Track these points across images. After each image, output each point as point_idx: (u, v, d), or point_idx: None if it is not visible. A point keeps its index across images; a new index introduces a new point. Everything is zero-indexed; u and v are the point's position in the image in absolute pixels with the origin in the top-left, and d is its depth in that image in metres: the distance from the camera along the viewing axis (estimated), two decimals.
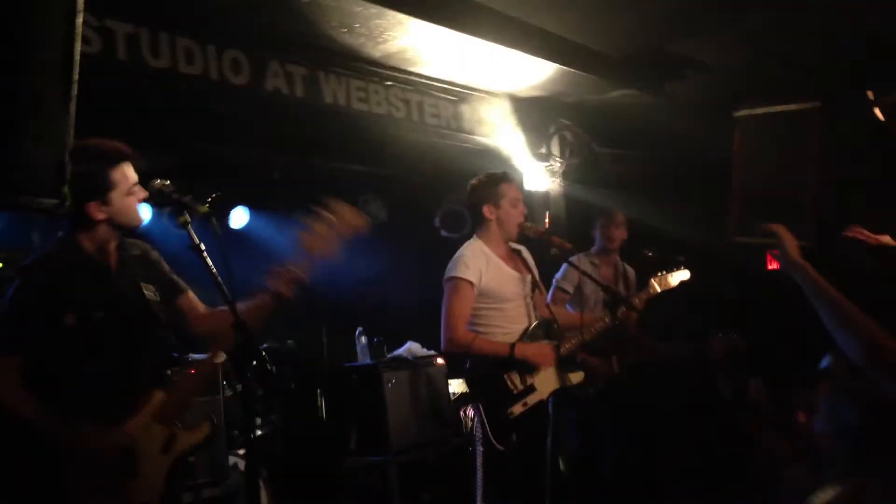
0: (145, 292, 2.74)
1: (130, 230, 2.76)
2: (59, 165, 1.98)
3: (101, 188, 2.60)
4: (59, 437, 2.44)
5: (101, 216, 2.62)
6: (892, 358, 1.90)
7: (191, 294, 2.91)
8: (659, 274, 4.58)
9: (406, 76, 5.27)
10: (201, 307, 2.91)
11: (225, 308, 2.51)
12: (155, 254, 2.90)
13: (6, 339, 2.53)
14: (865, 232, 2.63)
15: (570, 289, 4.75)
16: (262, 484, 4.35)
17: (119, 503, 2.47)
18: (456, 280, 3.84)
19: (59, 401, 2.50)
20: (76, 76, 1.99)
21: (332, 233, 2.70)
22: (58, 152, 1.98)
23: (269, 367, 2.39)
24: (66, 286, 2.56)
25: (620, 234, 5.05)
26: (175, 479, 2.64)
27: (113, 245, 2.72)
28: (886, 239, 2.36)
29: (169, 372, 3.08)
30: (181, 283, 2.91)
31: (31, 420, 2.45)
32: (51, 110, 1.95)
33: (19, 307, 2.54)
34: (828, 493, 1.80)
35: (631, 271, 5.17)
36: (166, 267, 2.91)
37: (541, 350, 3.85)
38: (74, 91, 1.99)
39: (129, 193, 2.65)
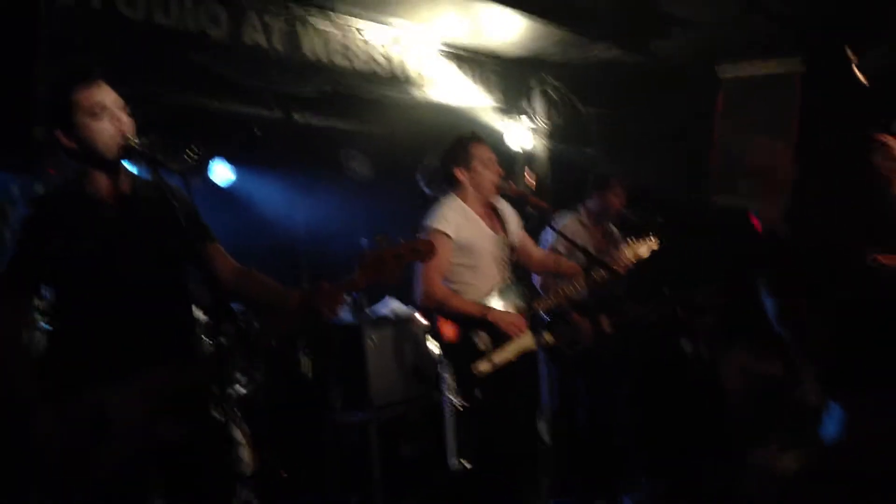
0: (157, 242, 2.53)
1: (108, 163, 2.48)
2: (24, 123, 1.92)
3: (63, 112, 2.39)
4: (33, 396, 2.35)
5: (70, 144, 2.42)
6: None
7: (217, 245, 2.71)
8: (628, 241, 4.55)
9: (386, 30, 5.21)
10: (229, 262, 2.71)
11: (254, 272, 2.45)
12: (174, 192, 2.53)
13: (17, 274, 2.43)
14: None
15: (563, 250, 4.76)
16: (243, 441, 4.38)
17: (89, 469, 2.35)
18: (434, 232, 3.82)
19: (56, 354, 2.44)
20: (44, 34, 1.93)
21: (401, 261, 2.54)
22: (22, 110, 1.92)
23: (240, 325, 2.36)
24: (59, 221, 2.43)
25: (619, 201, 5.05)
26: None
27: (109, 184, 2.50)
28: None
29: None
30: (210, 231, 2.70)
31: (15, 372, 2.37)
32: (15, 67, 1.90)
33: (25, 243, 2.43)
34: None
35: (616, 232, 5.19)
36: (193, 209, 2.63)
37: (513, 319, 3.83)
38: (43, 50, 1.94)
39: (97, 117, 2.40)
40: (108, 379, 2.37)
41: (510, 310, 3.91)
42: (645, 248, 4.49)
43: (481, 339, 3.80)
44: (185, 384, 2.44)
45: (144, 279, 2.50)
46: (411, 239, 2.60)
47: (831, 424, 2.20)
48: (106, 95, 2.44)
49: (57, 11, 3.65)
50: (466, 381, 3.73)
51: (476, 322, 3.80)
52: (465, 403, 3.69)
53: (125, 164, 2.55)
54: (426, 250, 2.58)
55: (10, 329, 2.45)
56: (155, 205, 2.52)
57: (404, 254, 2.52)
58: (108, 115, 2.42)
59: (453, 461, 3.78)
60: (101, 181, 2.50)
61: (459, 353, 3.77)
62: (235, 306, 2.85)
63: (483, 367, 3.76)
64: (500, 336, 3.82)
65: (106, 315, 2.44)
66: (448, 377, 3.75)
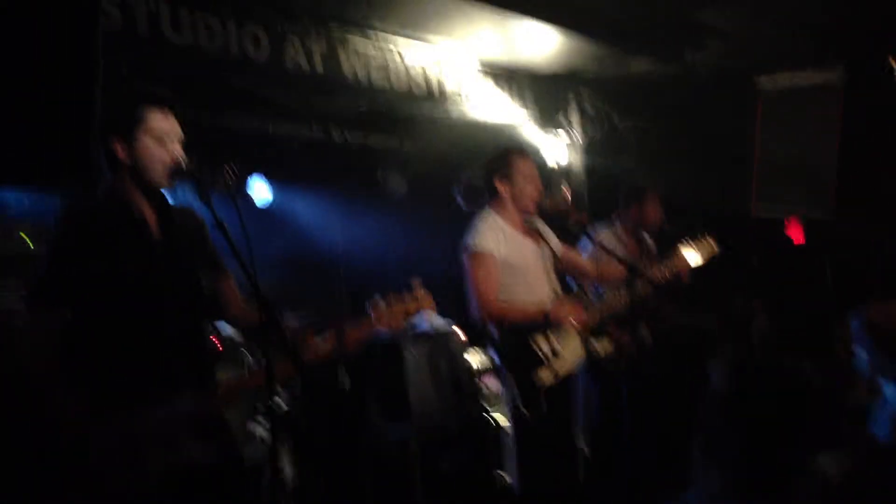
0: (192, 269, 2.59)
1: (154, 190, 2.53)
2: (84, 149, 1.96)
3: (129, 126, 2.43)
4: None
5: (125, 159, 2.45)
6: None
7: (231, 281, 2.75)
8: (685, 242, 4.47)
9: (424, 47, 5.26)
10: (239, 298, 2.78)
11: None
12: (203, 225, 2.64)
13: (47, 288, 2.39)
14: None
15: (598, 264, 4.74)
16: (285, 455, 4.42)
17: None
18: (476, 254, 3.82)
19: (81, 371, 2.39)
20: (100, 60, 1.99)
21: (404, 311, 2.73)
22: (83, 136, 1.96)
23: (286, 339, 2.40)
24: (109, 242, 2.42)
25: (656, 214, 5.03)
26: None
27: (149, 205, 2.53)
28: None
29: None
30: (224, 265, 2.74)
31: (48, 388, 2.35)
32: (76, 94, 1.95)
33: (63, 255, 2.40)
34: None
35: (651, 243, 5.16)
36: (214, 245, 2.69)
37: (574, 308, 3.84)
38: (100, 75, 1.99)
39: (159, 142, 2.46)
40: (129, 403, 2.37)
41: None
42: (704, 250, 4.42)
43: (539, 346, 3.78)
44: (208, 410, 2.50)
45: (174, 305, 2.53)
46: (409, 293, 2.76)
47: (883, 420, 2.18)
48: (172, 125, 2.52)
49: (104, 36, 3.76)
50: (531, 395, 3.70)
51: (537, 326, 3.78)
52: (529, 414, 3.65)
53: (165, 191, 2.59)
54: (426, 300, 2.78)
55: (44, 342, 2.39)
56: (189, 233, 2.60)
57: (410, 309, 2.73)
58: (169, 145, 2.49)
59: (498, 474, 3.77)
60: (143, 203, 2.54)
61: (521, 364, 3.75)
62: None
63: (546, 378, 3.74)
64: (556, 334, 3.80)
65: (131, 335, 2.45)
66: (509, 389, 3.73)
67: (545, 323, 3.76)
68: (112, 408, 2.35)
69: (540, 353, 3.77)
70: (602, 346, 4.00)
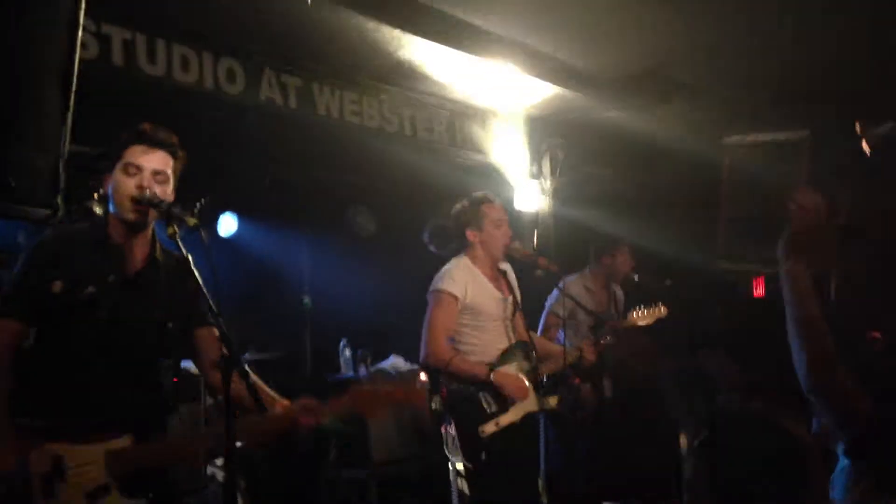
0: (160, 309, 2.57)
1: (132, 224, 2.52)
2: (54, 175, 1.95)
3: (111, 158, 2.49)
4: None
5: (105, 190, 2.52)
6: (829, 395, 1.79)
7: (210, 332, 2.63)
8: (638, 308, 4.64)
9: (399, 91, 5.29)
10: (217, 348, 2.62)
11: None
12: (192, 274, 2.47)
13: (16, 299, 2.45)
14: None
15: (563, 313, 4.75)
16: (240, 495, 4.33)
17: None
18: (441, 293, 3.85)
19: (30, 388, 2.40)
20: (74, 86, 1.98)
21: (390, 401, 2.58)
22: (53, 162, 1.95)
23: (250, 380, 2.36)
24: (69, 256, 2.46)
25: (627, 265, 5.08)
26: None
27: (140, 242, 2.55)
28: None
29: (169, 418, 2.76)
30: (205, 316, 2.62)
31: None
32: (48, 120, 1.93)
33: (21, 270, 2.47)
34: None
35: (620, 294, 5.20)
36: (200, 292, 2.54)
37: (517, 384, 3.85)
38: (72, 101, 1.98)
39: (126, 172, 2.47)
40: (71, 434, 2.36)
41: (515, 371, 3.90)
42: (652, 316, 4.54)
43: (487, 400, 3.79)
44: (142, 460, 2.45)
45: (131, 338, 2.52)
46: (406, 383, 2.70)
47: (839, 484, 2.06)
48: (148, 160, 2.49)
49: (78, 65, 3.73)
50: (472, 443, 3.70)
51: (481, 384, 3.78)
52: (470, 465, 3.66)
53: (154, 228, 2.59)
54: (417, 398, 2.63)
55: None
56: (171, 276, 2.59)
57: (396, 398, 2.55)
58: (138, 178, 2.47)
59: None
60: (126, 237, 2.54)
61: (465, 414, 3.75)
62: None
63: (489, 428, 3.74)
64: (504, 397, 3.81)
65: (84, 361, 2.45)
66: (452, 438, 3.72)
67: (487, 382, 3.78)
68: (48, 438, 2.34)
69: (485, 406, 3.79)
70: (553, 399, 4.00)
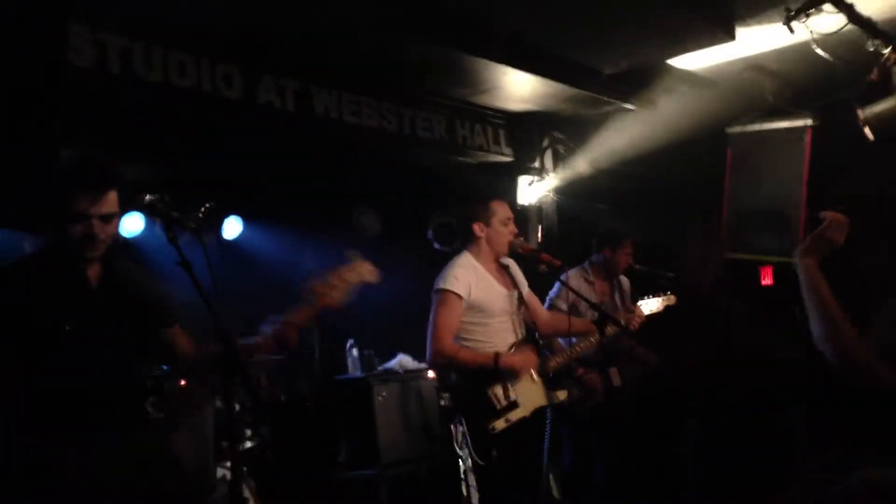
0: (127, 313, 2.65)
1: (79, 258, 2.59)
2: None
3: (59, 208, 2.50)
4: None
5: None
6: (859, 373, 2.12)
7: (178, 328, 2.81)
8: (646, 297, 4.63)
9: (398, 90, 5.30)
10: (188, 342, 2.83)
11: (207, 345, 2.50)
12: (148, 274, 2.76)
13: None
14: None
15: (564, 306, 4.74)
16: (250, 496, 4.34)
17: None
18: (445, 292, 3.84)
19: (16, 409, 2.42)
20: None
21: (344, 284, 2.70)
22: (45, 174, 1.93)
23: (251, 382, 2.38)
24: (38, 289, 2.49)
25: (628, 257, 5.08)
26: None
27: (94, 263, 2.60)
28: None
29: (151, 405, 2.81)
30: (171, 313, 2.80)
31: None
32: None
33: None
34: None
35: (626, 282, 5.19)
36: (160, 290, 2.79)
37: (525, 357, 3.86)
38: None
39: (72, 219, 2.48)
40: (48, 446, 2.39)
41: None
42: (661, 303, 4.52)
43: (496, 395, 3.78)
44: (136, 449, 2.52)
45: (105, 351, 2.57)
46: (347, 265, 2.72)
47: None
48: (91, 205, 2.48)
49: (76, 73, 3.75)
50: (482, 439, 3.70)
51: (488, 372, 3.78)
52: (480, 461, 3.66)
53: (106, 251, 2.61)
54: (366, 271, 2.73)
55: None
56: (131, 288, 2.67)
57: (346, 278, 2.67)
58: (83, 226, 2.48)
59: None
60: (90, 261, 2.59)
61: (474, 411, 3.75)
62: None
63: (499, 424, 3.74)
64: (513, 383, 3.81)
65: (57, 376, 2.47)
66: (461, 435, 3.72)
67: (496, 368, 3.77)
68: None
69: (495, 402, 3.77)
70: (562, 393, 4.01)
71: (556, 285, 4.84)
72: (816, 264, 2.25)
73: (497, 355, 3.79)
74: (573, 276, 4.92)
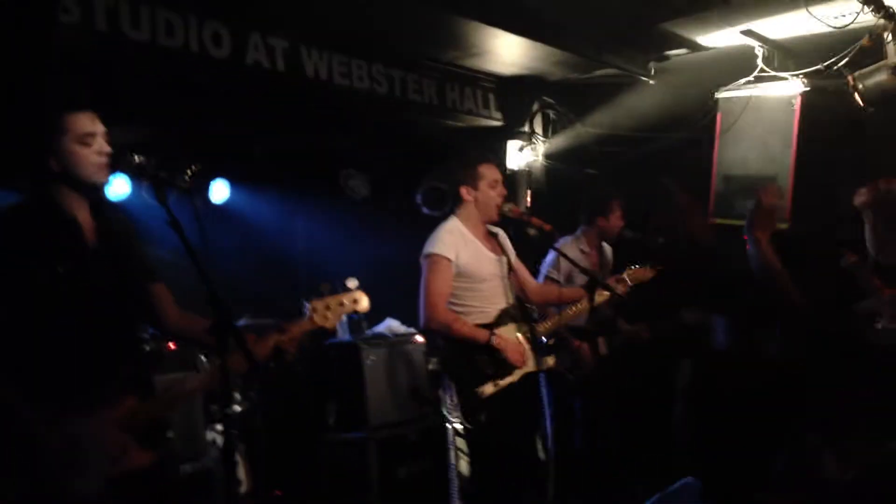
0: (119, 260, 2.61)
1: (91, 189, 2.55)
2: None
3: (53, 137, 2.44)
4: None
5: (55, 168, 2.46)
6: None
7: (162, 286, 2.78)
8: (632, 267, 4.60)
9: (390, 52, 5.24)
10: (173, 304, 2.80)
11: (195, 316, 2.50)
12: (135, 231, 2.75)
13: None
14: None
15: (560, 277, 4.73)
16: (240, 459, 4.37)
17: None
18: (434, 256, 3.83)
19: (20, 371, 2.38)
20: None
21: (341, 310, 2.70)
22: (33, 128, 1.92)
23: (246, 342, 2.38)
24: (36, 236, 2.44)
25: (619, 223, 5.06)
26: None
27: (84, 209, 2.55)
28: None
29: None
30: (156, 271, 2.78)
31: None
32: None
33: None
34: None
35: (609, 251, 5.19)
36: (145, 249, 2.79)
37: (517, 349, 3.86)
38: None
39: (82, 143, 2.46)
40: (57, 407, 2.36)
41: (513, 333, 3.91)
42: (647, 274, 4.53)
43: (483, 361, 3.80)
44: (149, 413, 2.51)
45: (106, 307, 2.53)
46: (347, 293, 2.74)
47: None
48: (94, 124, 2.49)
49: (62, 31, 3.68)
50: (471, 404, 3.72)
51: (480, 347, 3.80)
52: (469, 426, 3.68)
53: (105, 193, 2.61)
54: (362, 301, 2.74)
55: None
56: (121, 237, 2.64)
57: (347, 309, 2.70)
58: (96, 144, 2.48)
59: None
60: (78, 206, 2.54)
61: (463, 376, 3.77)
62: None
63: (487, 389, 3.76)
64: (503, 360, 3.83)
65: (61, 337, 2.43)
66: (451, 399, 3.74)
67: (488, 346, 3.78)
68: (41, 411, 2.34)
69: (484, 368, 3.79)
70: (551, 360, 4.02)
71: (550, 256, 4.82)
72: (767, 238, 2.69)
73: (490, 335, 3.81)
74: (569, 247, 4.91)
